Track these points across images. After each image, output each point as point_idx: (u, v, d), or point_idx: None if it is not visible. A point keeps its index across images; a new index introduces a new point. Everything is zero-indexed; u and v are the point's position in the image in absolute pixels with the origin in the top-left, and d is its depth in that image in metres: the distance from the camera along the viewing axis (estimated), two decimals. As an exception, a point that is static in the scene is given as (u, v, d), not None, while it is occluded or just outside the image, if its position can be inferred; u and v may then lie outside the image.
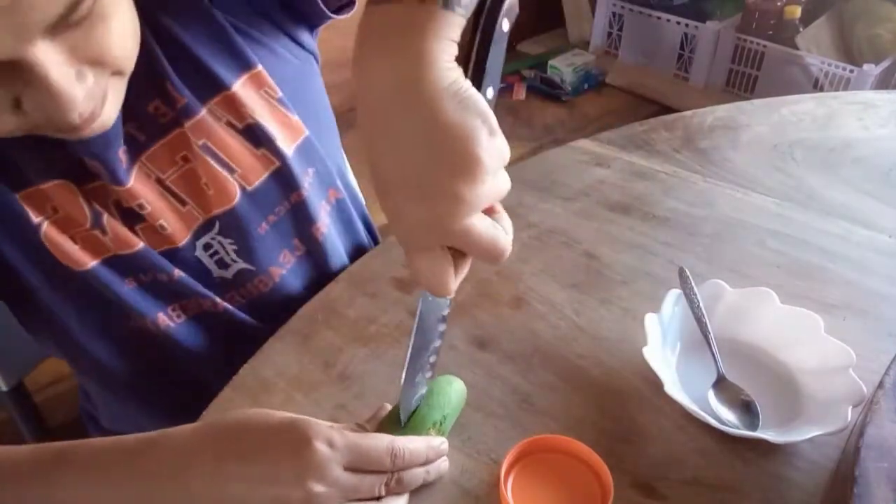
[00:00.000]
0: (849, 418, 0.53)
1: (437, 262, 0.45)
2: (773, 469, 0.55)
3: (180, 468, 0.47)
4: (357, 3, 0.72)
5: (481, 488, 0.53)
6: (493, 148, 0.43)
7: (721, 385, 0.60)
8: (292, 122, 0.70)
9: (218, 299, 0.68)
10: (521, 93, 2.72)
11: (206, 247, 0.68)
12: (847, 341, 0.59)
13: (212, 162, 0.65)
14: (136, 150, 0.62)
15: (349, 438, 0.48)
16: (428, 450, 0.52)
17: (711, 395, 0.59)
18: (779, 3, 2.01)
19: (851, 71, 1.83)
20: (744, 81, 2.06)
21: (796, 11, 1.98)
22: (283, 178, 0.69)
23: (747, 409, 0.58)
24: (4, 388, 0.89)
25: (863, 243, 0.79)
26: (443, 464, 0.54)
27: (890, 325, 0.68)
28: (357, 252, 0.81)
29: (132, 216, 0.63)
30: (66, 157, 0.59)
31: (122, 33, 0.50)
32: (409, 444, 0.50)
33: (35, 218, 0.59)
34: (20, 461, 0.49)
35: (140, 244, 0.63)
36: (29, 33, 0.43)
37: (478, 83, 0.43)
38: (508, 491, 0.51)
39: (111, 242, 0.62)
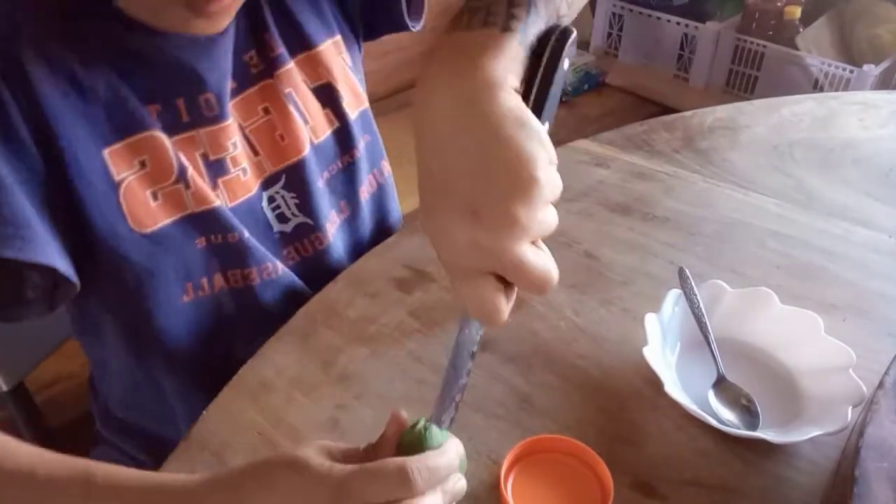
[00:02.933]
0: (849, 418, 0.53)
1: (489, 287, 0.43)
2: (773, 469, 0.55)
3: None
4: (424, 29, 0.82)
5: (481, 488, 0.53)
6: (551, 177, 0.43)
7: (721, 385, 0.60)
8: (358, 90, 0.78)
9: (279, 263, 0.70)
10: (521, 93, 2.71)
11: (270, 199, 0.71)
12: (847, 341, 0.59)
13: (293, 111, 0.71)
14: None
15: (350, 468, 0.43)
16: (450, 462, 0.45)
17: (711, 395, 0.59)
18: (779, 4, 2.01)
19: (851, 71, 1.83)
20: (744, 82, 2.06)
21: (796, 12, 1.98)
22: (342, 138, 0.76)
23: (747, 410, 0.58)
24: (5, 388, 0.89)
25: (863, 243, 0.79)
26: (460, 483, 0.47)
27: (890, 325, 0.68)
28: (384, 234, 0.84)
29: (217, 169, 0.66)
30: (168, 100, 0.63)
31: None
32: (427, 460, 0.44)
33: (116, 176, 0.60)
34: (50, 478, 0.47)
35: (216, 202, 0.65)
36: None
37: (537, 116, 0.42)
38: (508, 491, 0.51)
39: (191, 198, 0.64)
